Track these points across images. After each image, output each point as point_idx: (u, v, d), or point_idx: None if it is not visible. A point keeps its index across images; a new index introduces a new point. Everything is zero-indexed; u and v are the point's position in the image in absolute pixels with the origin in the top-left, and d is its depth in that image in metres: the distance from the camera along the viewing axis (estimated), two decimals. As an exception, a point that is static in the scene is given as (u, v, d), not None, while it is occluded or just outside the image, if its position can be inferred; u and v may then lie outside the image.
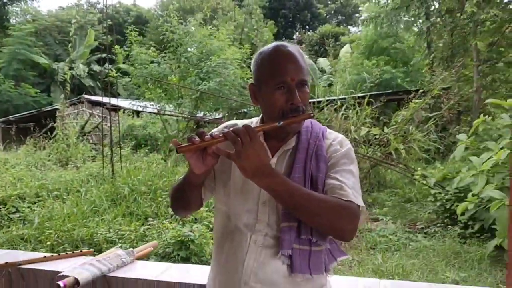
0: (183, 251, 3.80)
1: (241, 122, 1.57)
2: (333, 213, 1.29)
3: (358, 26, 37.15)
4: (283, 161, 1.44)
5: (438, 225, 5.60)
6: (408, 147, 8.21)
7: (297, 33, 34.75)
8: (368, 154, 7.78)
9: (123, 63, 11.46)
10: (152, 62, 11.15)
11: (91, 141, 13.42)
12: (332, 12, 39.72)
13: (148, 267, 2.14)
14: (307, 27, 36.26)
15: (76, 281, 1.88)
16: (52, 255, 2.24)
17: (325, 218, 1.30)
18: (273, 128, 1.36)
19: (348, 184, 1.35)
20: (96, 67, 24.25)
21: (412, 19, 15.72)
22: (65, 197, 6.07)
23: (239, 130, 1.24)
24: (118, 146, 8.33)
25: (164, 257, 3.90)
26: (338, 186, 1.34)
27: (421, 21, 14.31)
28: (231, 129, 1.26)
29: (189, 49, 11.58)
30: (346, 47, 22.74)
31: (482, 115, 5.14)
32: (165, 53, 11.67)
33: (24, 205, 5.64)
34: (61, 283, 1.85)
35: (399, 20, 14.50)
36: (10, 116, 19.13)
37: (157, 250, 3.88)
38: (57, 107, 17.37)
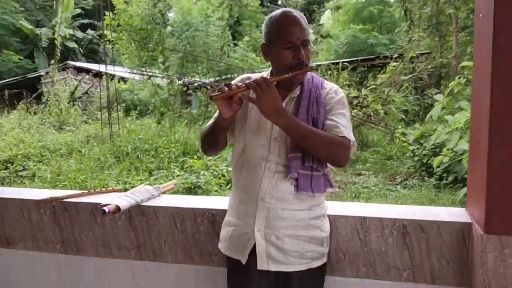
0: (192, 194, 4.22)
1: (254, 75, 1.95)
2: (331, 145, 1.69)
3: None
4: (290, 106, 1.82)
5: (416, 177, 6.14)
6: (388, 108, 8.67)
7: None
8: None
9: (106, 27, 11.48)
10: (140, 29, 11.21)
11: (81, 106, 13.57)
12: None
13: (175, 198, 2.54)
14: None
15: (118, 208, 2.27)
16: (89, 191, 2.61)
17: (325, 149, 1.70)
18: (283, 79, 1.73)
19: (342, 123, 1.74)
20: (79, 34, 23.92)
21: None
22: (68, 156, 6.41)
23: (259, 81, 1.62)
24: (114, 109, 8.59)
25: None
26: (334, 125, 1.73)
27: None
28: (252, 80, 1.64)
29: (169, 14, 11.67)
30: (327, 13, 22.87)
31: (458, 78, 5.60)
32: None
33: (30, 163, 5.96)
34: (106, 208, 2.23)
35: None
36: (-6, 83, 18.93)
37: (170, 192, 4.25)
38: (41, 73, 17.29)
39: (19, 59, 22.16)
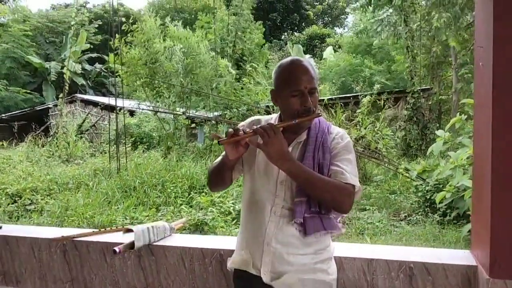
0: (198, 233, 4.22)
1: (263, 118, 2.02)
2: (335, 192, 1.72)
3: (344, 28, 37.72)
4: (297, 151, 1.86)
5: (420, 213, 6.14)
6: (388, 147, 8.75)
7: (285, 34, 35.26)
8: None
9: (115, 62, 11.63)
10: (144, 64, 11.38)
11: (88, 138, 13.66)
12: (319, 13, 40.24)
13: (184, 238, 2.57)
14: (295, 28, 36.73)
15: (132, 246, 2.30)
16: (100, 230, 2.65)
17: (329, 195, 1.72)
18: (289, 125, 1.78)
19: (347, 169, 1.77)
20: (87, 67, 24.41)
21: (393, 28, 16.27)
22: (76, 190, 6.46)
23: (266, 127, 1.67)
24: (122, 143, 8.70)
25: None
26: (340, 171, 1.76)
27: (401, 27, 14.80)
28: (259, 126, 1.69)
29: (175, 48, 11.85)
30: (329, 49, 23.32)
31: (459, 114, 5.70)
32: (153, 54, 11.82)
33: (38, 197, 6.01)
34: (116, 248, 2.26)
35: (382, 30, 14.96)
36: (3, 115, 19.17)
37: (175, 232, 4.28)
38: (49, 106, 17.56)
39: (26, 92, 22.39)
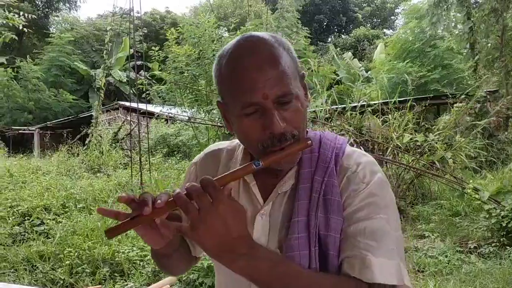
0: (210, 278, 3.42)
1: (225, 147, 1.14)
2: None
3: (394, 29, 36.12)
4: (279, 209, 0.98)
5: (494, 244, 5.01)
6: (453, 156, 7.59)
7: (332, 36, 34.22)
8: (411, 164, 7.19)
9: (159, 69, 11.18)
10: (187, 65, 10.81)
11: (125, 147, 13.37)
12: (367, 15, 38.89)
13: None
14: (342, 30, 35.62)
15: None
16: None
17: None
18: (249, 173, 0.90)
19: (376, 251, 0.87)
20: (132, 74, 24.62)
21: (454, 19, 15.10)
22: (92, 208, 5.90)
23: (193, 190, 0.79)
24: (150, 153, 8.18)
25: (188, 283, 3.54)
26: (359, 257, 0.88)
27: (462, 21, 13.56)
28: (188, 185, 0.80)
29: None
30: (380, 47, 21.94)
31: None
32: (197, 57, 11.29)
33: (49, 216, 5.48)
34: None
35: (440, 19, 13.69)
36: (48, 122, 19.53)
37: (180, 276, 3.57)
38: (93, 113, 17.58)
39: (73, 99, 22.96)
